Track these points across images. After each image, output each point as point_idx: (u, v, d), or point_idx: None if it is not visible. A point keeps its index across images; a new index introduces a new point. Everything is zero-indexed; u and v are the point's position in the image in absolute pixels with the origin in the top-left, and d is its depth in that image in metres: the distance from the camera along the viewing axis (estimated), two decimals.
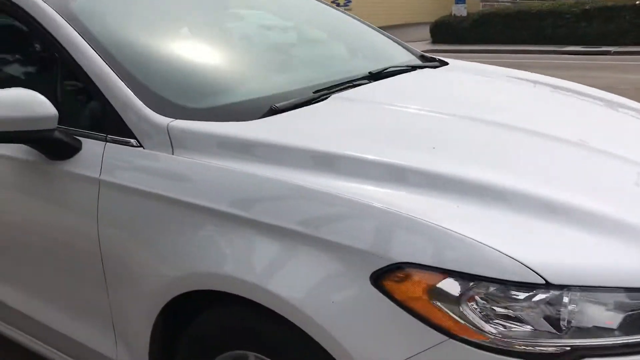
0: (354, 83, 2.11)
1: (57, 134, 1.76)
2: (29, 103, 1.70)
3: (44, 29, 1.92)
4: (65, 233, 1.81)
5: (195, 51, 2.17)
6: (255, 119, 1.76)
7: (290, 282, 1.37)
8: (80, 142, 1.81)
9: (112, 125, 1.77)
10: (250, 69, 2.18)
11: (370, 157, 1.50)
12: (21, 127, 1.70)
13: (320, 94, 1.96)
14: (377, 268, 1.28)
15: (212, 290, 1.52)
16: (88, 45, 1.84)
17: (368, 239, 1.31)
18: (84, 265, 1.79)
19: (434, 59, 2.73)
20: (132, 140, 1.72)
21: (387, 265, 1.27)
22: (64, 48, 1.86)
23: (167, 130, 1.68)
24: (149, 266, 1.62)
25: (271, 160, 1.54)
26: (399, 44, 2.86)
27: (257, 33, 2.54)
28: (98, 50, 1.84)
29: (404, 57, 2.68)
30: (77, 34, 1.87)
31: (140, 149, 1.70)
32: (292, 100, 1.87)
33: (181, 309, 1.64)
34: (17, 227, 1.95)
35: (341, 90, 2.03)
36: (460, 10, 18.33)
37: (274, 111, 1.80)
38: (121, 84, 1.77)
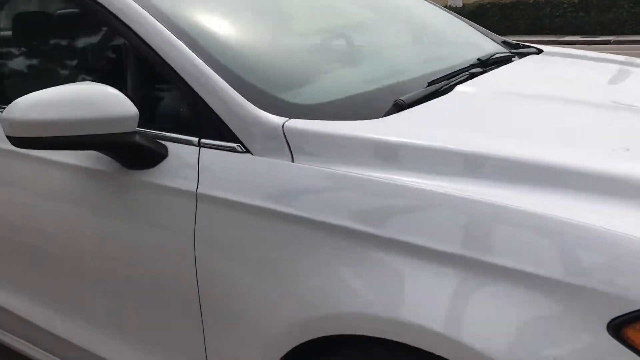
0: (470, 72, 1.79)
1: (138, 138, 1.44)
2: (103, 100, 1.38)
3: (107, 10, 1.59)
4: (149, 257, 1.49)
5: (296, 37, 1.85)
6: (379, 116, 1.44)
7: (483, 328, 1.06)
8: (165, 148, 1.48)
9: (206, 126, 1.45)
10: (355, 57, 1.86)
11: (566, 165, 1.17)
12: (94, 129, 1.38)
13: (440, 86, 1.64)
14: (620, 314, 0.97)
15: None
16: (169, 32, 1.52)
17: (599, 275, 1.00)
18: (172, 298, 1.47)
19: (527, 45, 2.42)
20: (236, 145, 1.40)
21: (635, 311, 0.97)
22: (136, 34, 1.54)
23: (283, 133, 1.36)
24: (267, 303, 1.31)
25: (425, 169, 1.22)
26: (477, 29, 2.55)
27: (351, 18, 2.22)
28: (179, 36, 1.52)
29: (492, 43, 2.37)
30: (151, 16, 1.55)
31: (248, 155, 1.38)
32: (416, 93, 1.55)
33: (304, 350, 1.33)
34: (83, 249, 1.62)
35: (461, 81, 1.71)
36: (456, 1, 18.06)
37: (399, 107, 1.49)
38: (216, 77, 1.45)
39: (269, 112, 1.40)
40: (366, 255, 1.18)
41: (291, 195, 1.30)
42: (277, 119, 1.38)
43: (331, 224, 1.22)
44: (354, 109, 1.48)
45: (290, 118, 1.39)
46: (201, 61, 1.47)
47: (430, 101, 1.54)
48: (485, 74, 1.81)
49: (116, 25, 1.58)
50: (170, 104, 1.55)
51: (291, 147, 1.34)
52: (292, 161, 1.33)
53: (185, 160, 1.45)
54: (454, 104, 1.55)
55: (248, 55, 1.61)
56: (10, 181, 1.75)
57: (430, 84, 1.64)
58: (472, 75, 1.77)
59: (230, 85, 1.44)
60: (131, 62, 1.59)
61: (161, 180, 1.46)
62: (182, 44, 1.50)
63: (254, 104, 1.41)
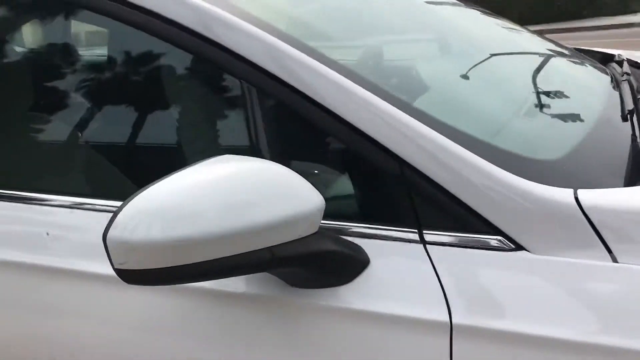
0: None
1: (327, 241, 0.89)
2: (267, 188, 0.83)
3: (223, 46, 1.04)
4: None
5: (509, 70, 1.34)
6: None
7: None
8: (362, 251, 0.94)
9: (429, 211, 0.93)
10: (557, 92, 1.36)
11: None
12: (256, 242, 0.81)
13: None
14: None
15: None
16: (346, 79, 0.99)
17: None
18: None
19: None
20: (494, 239, 0.89)
21: None
22: (286, 84, 1.00)
23: (584, 213, 0.86)
24: None
25: None
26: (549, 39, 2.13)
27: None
28: (355, 79, 1.00)
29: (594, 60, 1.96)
30: (306, 55, 1.01)
31: (523, 253, 0.88)
32: None
33: None
34: None
35: None
36: None
37: None
38: (434, 134, 0.94)
39: (536, 181, 0.91)
40: None
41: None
42: (562, 193, 0.89)
43: None
44: (616, 164, 1.03)
45: (576, 188, 0.90)
46: (404, 113, 0.95)
47: None
48: None
49: (250, 74, 1.02)
50: (352, 179, 1.01)
51: (604, 237, 0.85)
52: (615, 260, 0.84)
53: (403, 268, 0.92)
54: None
55: (468, 101, 1.11)
56: (107, 316, 1.08)
57: (629, 113, 1.21)
58: None
59: (460, 145, 0.93)
60: (275, 119, 1.03)
61: (371, 304, 0.91)
62: (368, 92, 0.97)
63: (508, 171, 0.91)
